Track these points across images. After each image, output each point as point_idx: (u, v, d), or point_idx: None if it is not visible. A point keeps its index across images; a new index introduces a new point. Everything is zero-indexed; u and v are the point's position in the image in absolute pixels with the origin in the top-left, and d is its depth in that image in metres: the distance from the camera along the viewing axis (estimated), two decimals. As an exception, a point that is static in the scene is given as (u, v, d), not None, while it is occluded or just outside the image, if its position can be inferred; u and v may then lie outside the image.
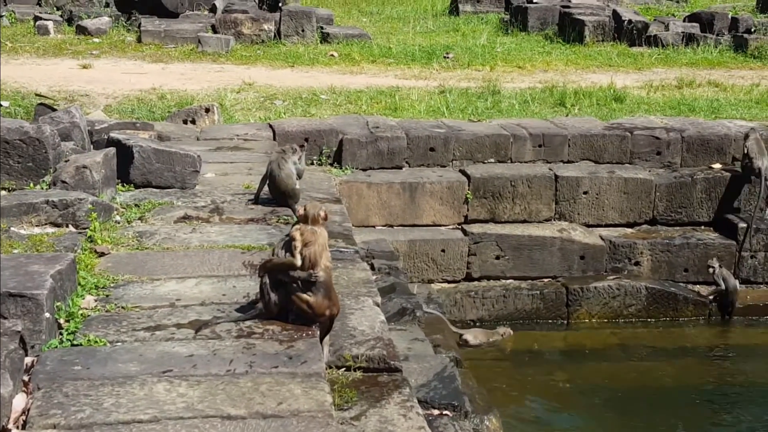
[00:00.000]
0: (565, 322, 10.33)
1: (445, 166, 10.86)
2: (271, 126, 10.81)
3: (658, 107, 12.88)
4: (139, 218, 7.44)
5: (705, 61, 16.44)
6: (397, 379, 5.41)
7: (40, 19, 17.80)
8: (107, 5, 19.26)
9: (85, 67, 14.70)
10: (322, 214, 5.37)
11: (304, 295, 5.28)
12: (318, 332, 5.38)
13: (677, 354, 10.01)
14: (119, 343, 5.15)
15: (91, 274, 6.10)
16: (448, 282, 10.31)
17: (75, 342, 5.15)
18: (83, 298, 5.70)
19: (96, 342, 5.14)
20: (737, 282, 10.73)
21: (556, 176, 10.74)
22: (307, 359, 5.02)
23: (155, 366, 4.87)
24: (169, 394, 4.59)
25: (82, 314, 5.50)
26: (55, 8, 19.16)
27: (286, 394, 4.63)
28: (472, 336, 9.58)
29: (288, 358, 5.04)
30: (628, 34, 17.43)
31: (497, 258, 10.41)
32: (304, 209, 5.37)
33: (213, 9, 18.29)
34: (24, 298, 5.03)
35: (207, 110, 11.52)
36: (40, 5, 19.55)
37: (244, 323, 5.45)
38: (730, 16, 18.32)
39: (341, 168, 10.53)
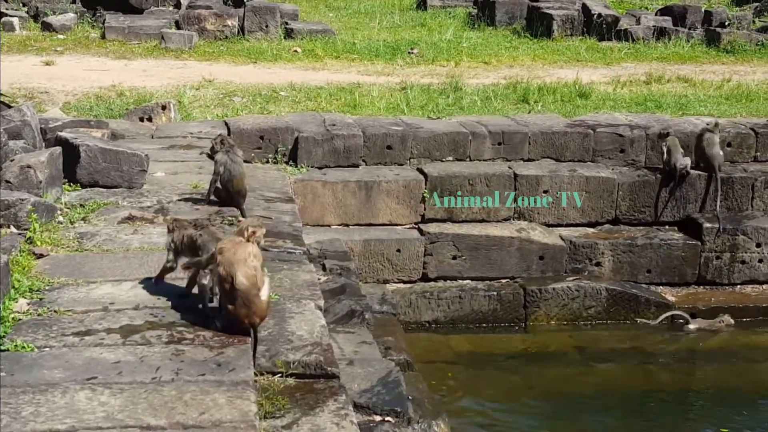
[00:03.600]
0: (523, 324, 10.16)
1: (402, 165, 10.72)
2: (226, 123, 10.66)
3: (624, 103, 12.76)
4: (83, 219, 7.30)
5: (676, 55, 16.30)
6: (333, 386, 5.27)
7: (6, 15, 17.58)
8: (73, 1, 19.05)
9: (47, 63, 14.51)
10: (249, 231, 5.34)
11: (228, 305, 5.22)
12: (250, 339, 5.26)
13: (637, 357, 9.87)
14: (47, 349, 5.04)
15: (26, 277, 5.97)
16: (404, 282, 10.16)
17: (2, 347, 5.01)
18: (16, 302, 5.58)
19: (23, 347, 5.02)
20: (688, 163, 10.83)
21: (516, 174, 10.60)
22: (235, 366, 4.91)
23: (80, 373, 4.76)
24: (90, 403, 4.47)
25: (13, 318, 5.38)
26: (21, 4, 18.92)
27: (209, 403, 4.51)
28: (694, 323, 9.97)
29: (217, 365, 4.93)
30: (598, 28, 17.27)
31: (454, 258, 10.27)
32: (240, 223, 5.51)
33: (178, 5, 18.12)
34: (-51, 302, 4.91)
35: (164, 107, 11.36)
36: (6, 1, 19.30)
37: (176, 329, 5.33)
38: (703, 10, 18.13)
39: (296, 166, 10.38)
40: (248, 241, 5.32)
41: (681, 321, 10.24)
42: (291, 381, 5.22)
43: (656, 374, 9.62)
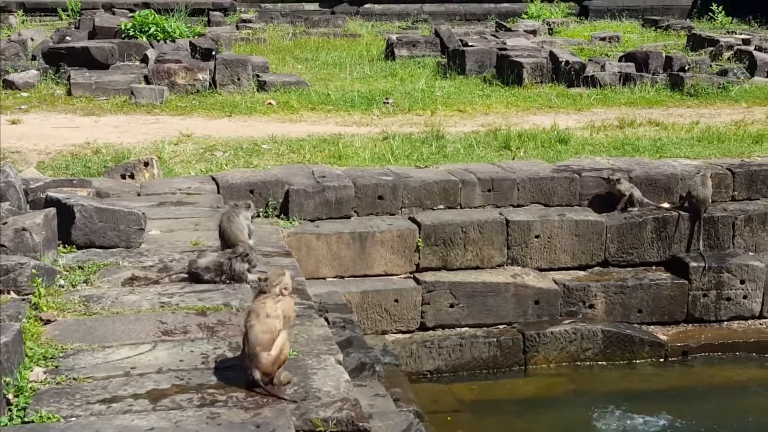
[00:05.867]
0: (523, 368, 10.16)
1: (394, 214, 10.67)
2: (214, 179, 10.52)
3: (603, 148, 12.85)
4: (85, 281, 7.08)
5: (643, 100, 16.52)
6: (367, 441, 5.20)
7: (-37, 74, 17.31)
8: (34, 58, 18.84)
9: (14, 122, 14.24)
10: (265, 283, 5.39)
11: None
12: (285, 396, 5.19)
13: (636, 397, 9.88)
14: (74, 419, 4.87)
15: (37, 344, 5.77)
16: (402, 332, 10.09)
17: (26, 419, 4.85)
18: (31, 371, 5.37)
19: (49, 418, 4.85)
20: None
21: (507, 221, 10.62)
22: (275, 427, 4.81)
23: (114, 442, 4.59)
24: (130, 474, 4.31)
25: (31, 388, 5.18)
26: (-23, 63, 18.67)
27: (257, 468, 4.38)
28: None
29: (255, 426, 4.82)
30: (566, 75, 17.46)
31: (451, 306, 10.22)
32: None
33: (144, 59, 17.96)
34: (-31, 375, 4.72)
35: (146, 164, 11.18)
36: (-39, 61, 19.03)
37: (206, 391, 5.20)
38: (664, 55, 18.49)
39: (288, 219, 10.28)
40: (267, 293, 5.27)
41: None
42: (327, 439, 5.12)
43: (657, 413, 9.58)
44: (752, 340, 10.87)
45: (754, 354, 10.78)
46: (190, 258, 7.37)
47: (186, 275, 7.14)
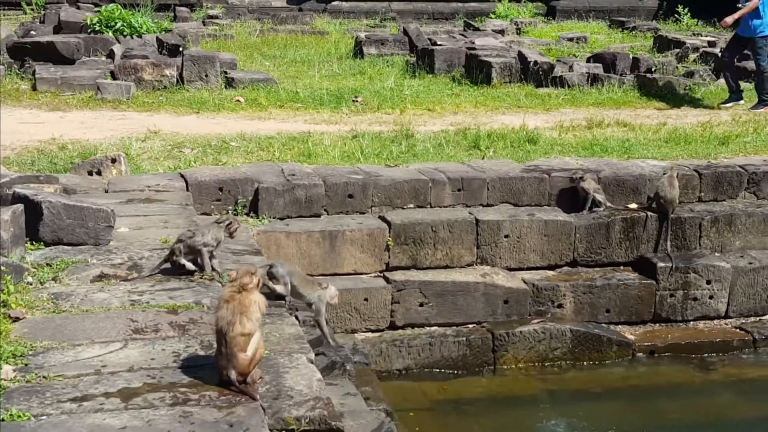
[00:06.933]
0: (492, 368, 10.18)
1: (364, 213, 10.65)
2: (182, 176, 10.44)
3: (572, 148, 12.89)
4: (53, 279, 7.01)
5: (611, 101, 16.60)
6: (339, 440, 5.17)
7: (-75, 68, 17.07)
8: (-2, 52, 18.62)
9: (-23, 117, 14.07)
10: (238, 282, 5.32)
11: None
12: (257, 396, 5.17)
13: (604, 397, 9.97)
14: (44, 417, 4.82)
15: (7, 342, 5.71)
16: (372, 331, 10.08)
17: (-3, 418, 4.79)
18: (0, 369, 5.32)
19: (19, 416, 4.80)
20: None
21: (477, 220, 10.63)
22: (249, 426, 4.78)
23: (85, 441, 4.55)
24: (103, 473, 4.27)
25: (1, 386, 5.13)
26: (-59, 57, 18.40)
27: (231, 467, 4.36)
28: None
29: (229, 425, 4.79)
30: (535, 75, 17.49)
31: (421, 305, 10.22)
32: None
33: (111, 55, 17.80)
34: (-62, 373, 4.66)
35: (113, 160, 11.06)
36: None
37: (178, 389, 5.16)
38: (631, 57, 18.60)
39: (258, 218, 10.24)
40: (240, 291, 5.22)
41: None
42: (299, 438, 5.11)
43: (625, 412, 9.72)
44: (718, 340, 10.96)
45: (720, 354, 10.87)
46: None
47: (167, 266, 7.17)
